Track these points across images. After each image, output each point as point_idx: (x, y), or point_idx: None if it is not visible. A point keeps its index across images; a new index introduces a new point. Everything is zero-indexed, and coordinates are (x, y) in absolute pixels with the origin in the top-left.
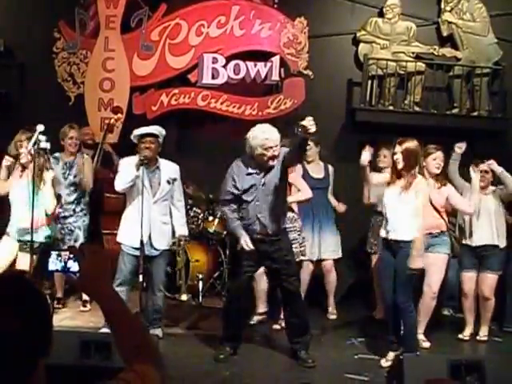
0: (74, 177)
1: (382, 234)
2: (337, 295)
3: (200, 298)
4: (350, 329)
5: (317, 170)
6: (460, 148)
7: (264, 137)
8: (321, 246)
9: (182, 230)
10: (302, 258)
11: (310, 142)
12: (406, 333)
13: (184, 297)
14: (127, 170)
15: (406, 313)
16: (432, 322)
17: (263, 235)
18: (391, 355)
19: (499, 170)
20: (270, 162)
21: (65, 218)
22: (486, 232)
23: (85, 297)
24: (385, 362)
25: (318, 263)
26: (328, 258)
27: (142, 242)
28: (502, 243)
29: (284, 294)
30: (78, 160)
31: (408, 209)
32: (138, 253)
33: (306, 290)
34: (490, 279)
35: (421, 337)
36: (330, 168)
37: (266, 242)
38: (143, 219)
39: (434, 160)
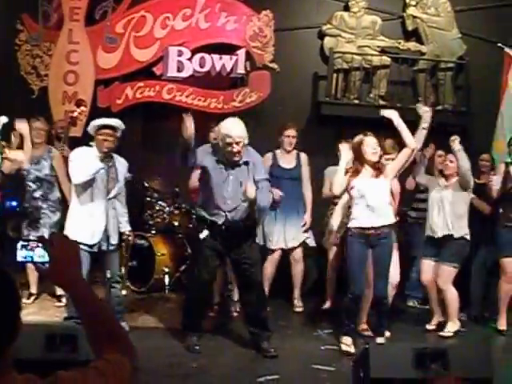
0: (40, 171)
1: (357, 223)
2: (303, 288)
3: (166, 291)
4: (316, 320)
5: (288, 160)
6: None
7: (225, 132)
8: (287, 235)
9: (128, 225)
10: (269, 246)
11: (294, 132)
12: (382, 321)
13: (123, 292)
14: (90, 162)
15: (386, 302)
16: (396, 313)
17: (227, 225)
18: (348, 340)
19: (458, 146)
20: (233, 158)
21: (32, 213)
22: (442, 223)
23: (59, 291)
24: (346, 347)
25: (286, 253)
26: (296, 246)
27: (107, 237)
28: (459, 233)
29: (244, 283)
30: (52, 155)
31: (384, 195)
32: (92, 249)
33: (270, 285)
34: (445, 271)
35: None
36: (303, 156)
37: (229, 232)
38: (100, 215)
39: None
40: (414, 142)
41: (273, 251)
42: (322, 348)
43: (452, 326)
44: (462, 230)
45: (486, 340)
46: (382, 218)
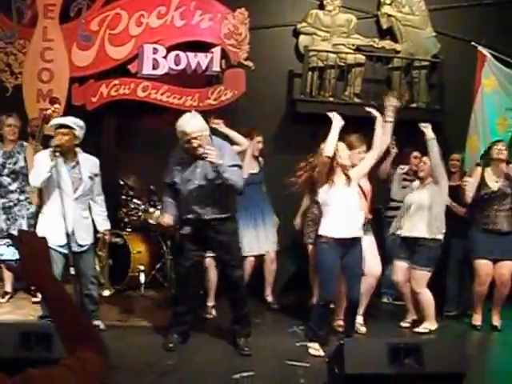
0: (14, 164)
1: (327, 232)
2: (278, 285)
3: (142, 289)
4: (291, 317)
5: (254, 164)
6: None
7: (180, 130)
8: (264, 240)
9: (106, 224)
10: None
11: (261, 138)
12: (352, 320)
13: (106, 292)
14: (42, 162)
15: (357, 307)
16: (371, 310)
17: (204, 221)
18: (315, 345)
19: (431, 135)
20: (196, 152)
21: (10, 207)
22: (416, 225)
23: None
24: (315, 351)
25: (260, 255)
26: (271, 251)
27: (67, 235)
28: (434, 234)
29: (225, 282)
30: (24, 149)
31: (355, 203)
32: (63, 249)
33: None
34: (418, 275)
35: (359, 321)
36: (261, 160)
37: (207, 228)
38: (66, 216)
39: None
40: (380, 148)
41: (246, 257)
42: (298, 344)
43: (430, 325)
44: (437, 231)
45: (460, 336)
46: (353, 229)
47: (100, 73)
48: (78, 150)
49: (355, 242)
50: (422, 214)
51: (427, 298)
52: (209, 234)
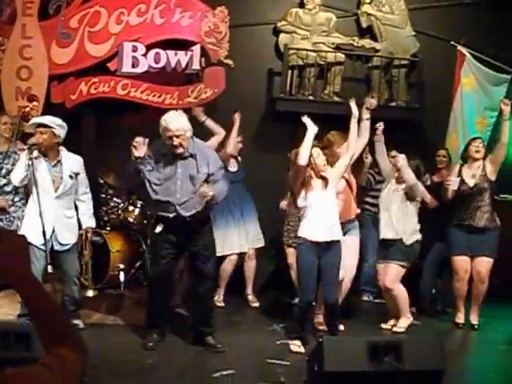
0: (12, 165)
1: (306, 235)
2: (257, 283)
3: (122, 288)
4: (271, 316)
5: (233, 163)
6: (380, 127)
7: (164, 125)
8: (244, 238)
9: (90, 222)
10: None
11: (240, 138)
12: (335, 321)
13: (90, 293)
14: (22, 161)
15: (337, 307)
16: (351, 308)
17: (183, 218)
18: (298, 342)
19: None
20: (176, 150)
21: (4, 208)
22: (389, 227)
23: None
24: (297, 348)
25: (241, 253)
26: (252, 247)
27: (44, 233)
28: (408, 240)
29: (197, 276)
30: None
31: (333, 207)
32: (44, 247)
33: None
34: (392, 270)
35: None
36: (239, 159)
37: (186, 226)
38: (46, 215)
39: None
40: (359, 146)
41: (230, 254)
42: (278, 343)
43: (404, 322)
44: (412, 233)
45: (440, 333)
46: (332, 231)
47: (79, 70)
48: (61, 148)
49: (333, 244)
50: (397, 215)
51: (401, 293)
52: (186, 231)
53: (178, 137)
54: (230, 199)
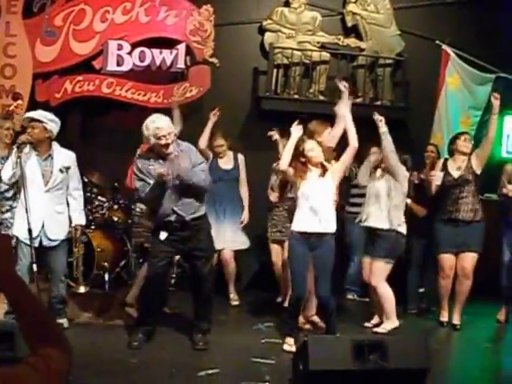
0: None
1: (300, 227)
2: (243, 282)
3: (106, 287)
4: (256, 314)
5: (226, 161)
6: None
7: (155, 126)
8: (225, 236)
9: (79, 218)
10: None
11: (222, 141)
12: (332, 320)
13: (82, 289)
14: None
15: (331, 302)
16: (336, 307)
17: (180, 223)
18: (291, 341)
19: (384, 128)
20: (166, 150)
21: (1, 213)
22: (375, 215)
23: None
24: (289, 347)
25: (218, 253)
26: (227, 249)
27: (29, 230)
28: (393, 224)
29: (194, 277)
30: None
31: (328, 197)
32: (33, 243)
33: None
34: (377, 267)
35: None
36: (240, 157)
37: (183, 229)
38: (35, 209)
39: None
40: (356, 141)
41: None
42: (263, 341)
43: (389, 325)
44: (397, 220)
45: (424, 332)
46: (325, 223)
47: (64, 69)
48: (54, 143)
49: (326, 237)
50: (381, 204)
51: (386, 292)
52: (187, 233)
53: (167, 136)
54: (216, 197)
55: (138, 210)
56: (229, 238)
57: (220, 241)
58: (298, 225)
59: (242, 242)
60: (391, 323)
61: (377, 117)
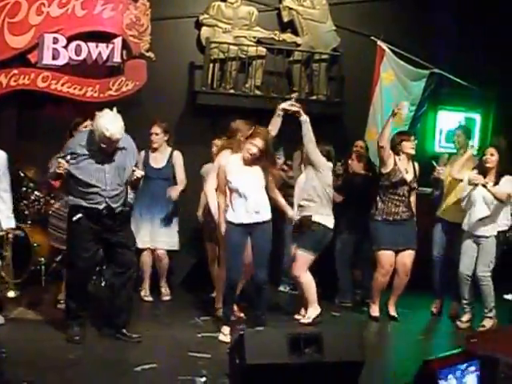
0: None
1: (234, 218)
2: (179, 278)
3: (42, 282)
4: (192, 309)
5: (159, 159)
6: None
7: (108, 135)
8: (155, 236)
9: (9, 222)
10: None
11: (158, 130)
12: (262, 308)
13: (11, 293)
14: None
15: (265, 289)
16: (269, 299)
17: (107, 211)
18: (227, 330)
19: (304, 117)
20: (108, 151)
21: None
22: (302, 207)
23: None
24: (224, 337)
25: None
26: (161, 248)
27: None
28: (317, 219)
29: (117, 266)
30: None
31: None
32: None
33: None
34: (299, 258)
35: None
36: (176, 154)
37: (109, 219)
38: None
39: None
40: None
41: (142, 250)
42: (199, 335)
43: (312, 312)
44: (321, 215)
45: (359, 325)
46: (260, 212)
47: None
48: None
49: (262, 224)
50: (305, 196)
51: (307, 282)
52: (108, 223)
53: (114, 143)
54: (150, 195)
55: (52, 208)
56: (162, 237)
57: (152, 240)
58: (232, 216)
59: (174, 243)
60: (314, 310)
61: (293, 108)
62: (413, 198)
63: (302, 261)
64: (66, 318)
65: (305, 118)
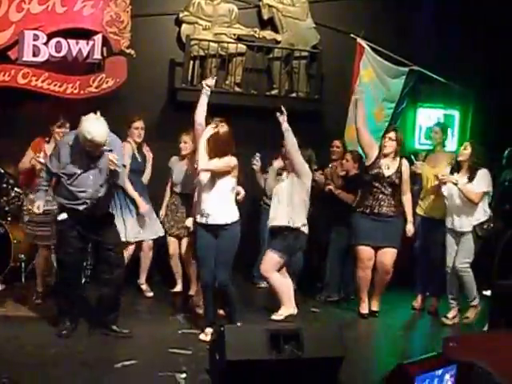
0: None
1: (200, 220)
2: (157, 274)
3: (22, 278)
4: (172, 305)
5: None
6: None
7: (90, 138)
8: (142, 228)
9: None
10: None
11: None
12: (231, 305)
13: None
14: None
15: (230, 290)
16: (247, 295)
17: (88, 211)
18: (209, 330)
19: (286, 126)
20: (93, 154)
21: None
22: (278, 214)
23: None
24: (204, 337)
25: (138, 244)
26: (147, 239)
27: None
28: (291, 223)
29: (104, 264)
30: None
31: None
32: None
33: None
34: (267, 258)
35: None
36: (146, 149)
37: (92, 218)
38: None
39: None
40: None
41: (128, 243)
42: (179, 332)
43: (284, 311)
44: (297, 220)
45: (340, 320)
46: (211, 216)
47: None
48: None
49: (228, 226)
50: (283, 203)
51: (276, 281)
52: (92, 222)
53: (97, 148)
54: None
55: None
56: (147, 228)
57: (138, 232)
58: (199, 218)
59: (158, 230)
60: (286, 310)
61: (278, 114)
62: (406, 197)
63: (270, 262)
64: (58, 313)
65: (286, 127)
